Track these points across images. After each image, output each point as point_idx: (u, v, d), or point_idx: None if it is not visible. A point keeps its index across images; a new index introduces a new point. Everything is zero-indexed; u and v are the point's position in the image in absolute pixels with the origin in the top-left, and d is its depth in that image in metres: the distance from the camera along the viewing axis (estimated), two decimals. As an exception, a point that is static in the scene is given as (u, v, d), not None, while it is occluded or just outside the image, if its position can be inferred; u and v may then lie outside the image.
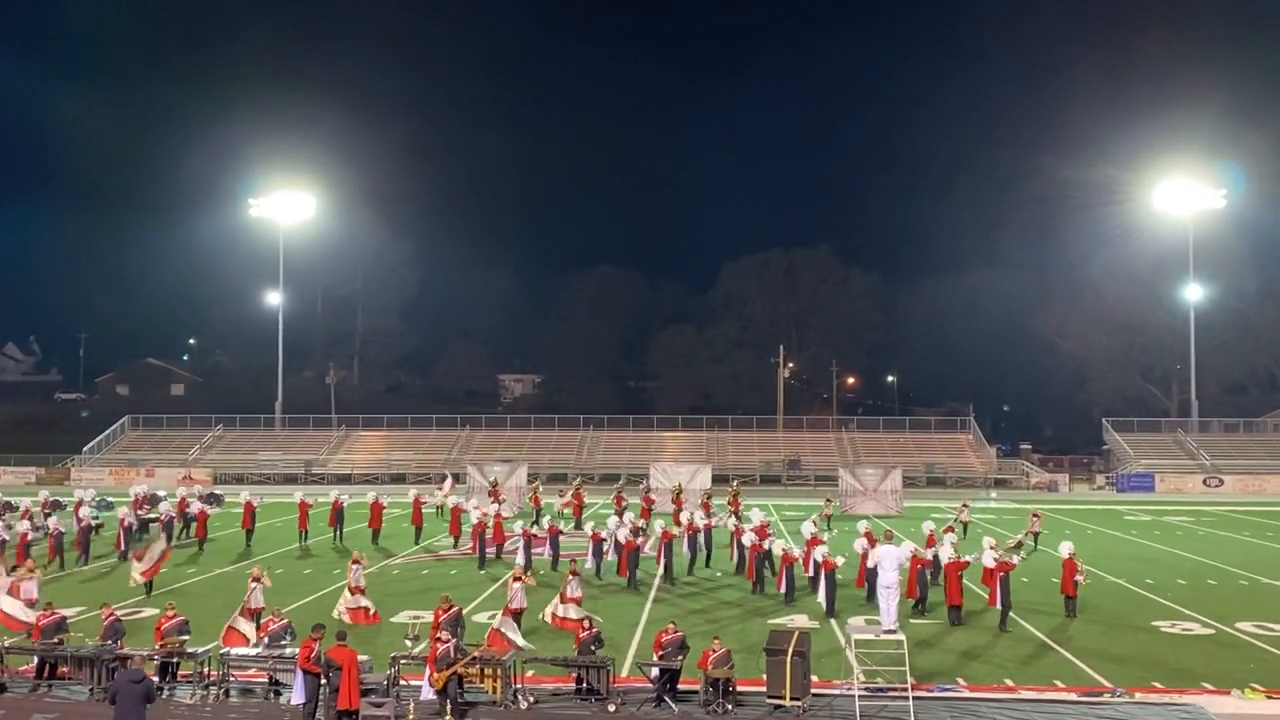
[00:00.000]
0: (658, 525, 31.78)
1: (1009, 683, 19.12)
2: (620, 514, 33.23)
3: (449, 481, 50.29)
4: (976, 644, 22.15)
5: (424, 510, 38.45)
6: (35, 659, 18.82)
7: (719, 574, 30.74)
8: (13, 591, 22.35)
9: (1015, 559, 25.37)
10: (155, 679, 17.46)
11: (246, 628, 20.06)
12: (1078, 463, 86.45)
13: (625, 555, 29.02)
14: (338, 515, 36.93)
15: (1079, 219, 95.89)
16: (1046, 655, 21.32)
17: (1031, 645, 22.13)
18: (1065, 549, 25.27)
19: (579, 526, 41.28)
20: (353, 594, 22.55)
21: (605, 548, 30.08)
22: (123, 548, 33.41)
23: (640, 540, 30.85)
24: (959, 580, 24.26)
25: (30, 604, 22.02)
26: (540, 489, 47.54)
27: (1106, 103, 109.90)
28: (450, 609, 19.52)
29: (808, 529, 29.71)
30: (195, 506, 37.53)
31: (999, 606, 23.53)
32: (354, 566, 23.95)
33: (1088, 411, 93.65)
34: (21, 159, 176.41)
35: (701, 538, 31.86)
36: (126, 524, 33.95)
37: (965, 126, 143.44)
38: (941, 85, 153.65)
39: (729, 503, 40.62)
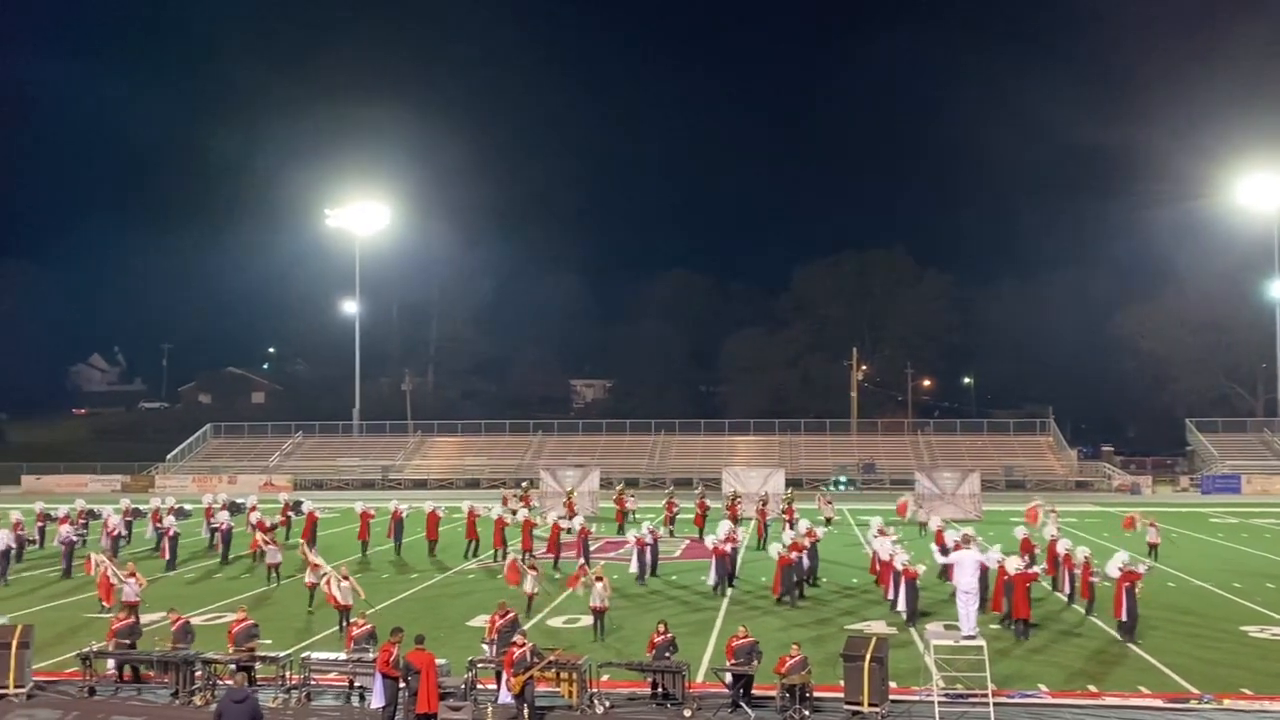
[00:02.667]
0: (786, 536, 29.83)
1: (1092, 689, 18.78)
2: (736, 521, 32.72)
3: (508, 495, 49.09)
4: (1058, 649, 21.79)
5: (476, 522, 37.53)
6: (110, 662, 19.31)
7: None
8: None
9: (1141, 567, 23.93)
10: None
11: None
12: (1160, 464, 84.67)
13: (780, 571, 27.35)
14: (397, 526, 37.02)
15: (1160, 215, 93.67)
16: (1130, 661, 20.89)
17: (1115, 651, 21.69)
18: (1117, 562, 23.44)
19: (620, 532, 41.40)
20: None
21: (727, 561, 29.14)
22: (168, 556, 34.03)
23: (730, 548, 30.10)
24: (1026, 592, 23.09)
25: (132, 605, 22.83)
26: (627, 494, 47.28)
27: (1189, 96, 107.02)
28: (506, 614, 19.59)
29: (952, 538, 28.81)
30: (255, 517, 37.64)
31: (1124, 618, 22.48)
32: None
33: (1170, 412, 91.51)
34: (104, 174, 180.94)
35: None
36: (172, 534, 34.51)
37: (1041, 122, 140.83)
38: (1017, 82, 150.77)
39: (783, 512, 40.29)
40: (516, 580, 25.41)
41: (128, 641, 19.46)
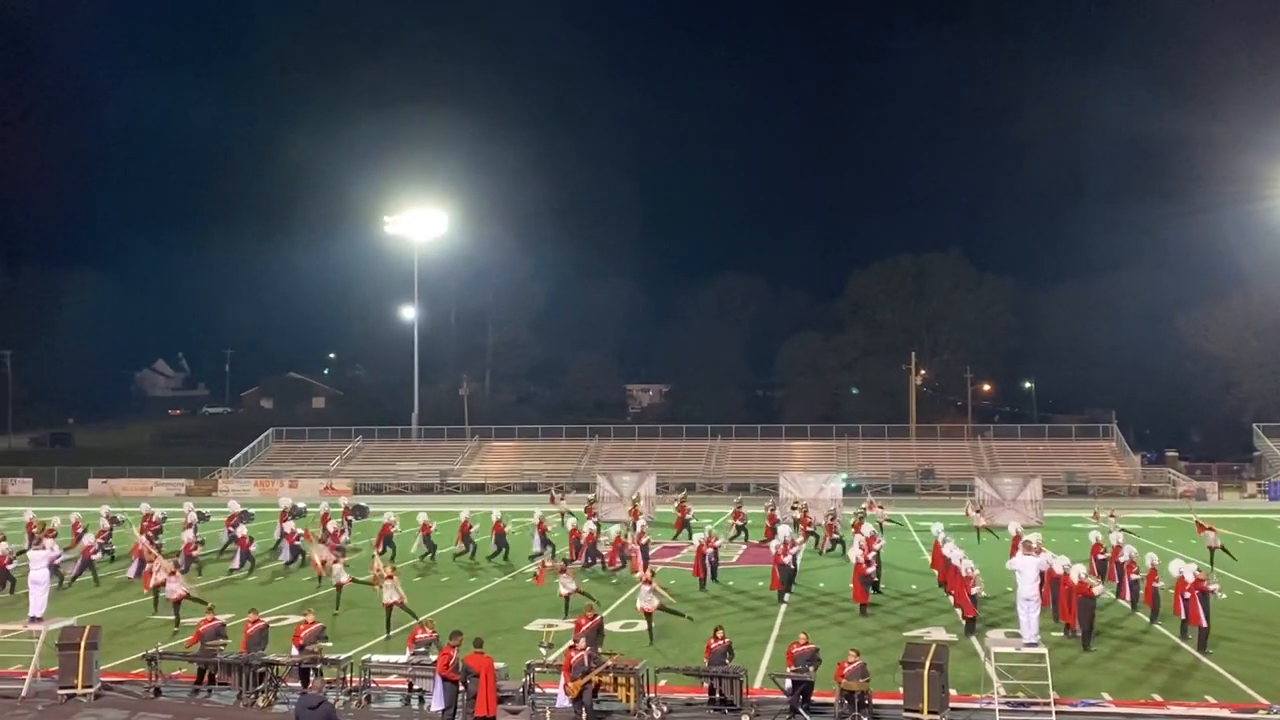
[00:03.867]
0: (858, 540, 29.22)
1: (1157, 698, 18.48)
2: (808, 535, 32.56)
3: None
4: (1122, 658, 21.46)
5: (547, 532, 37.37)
6: (195, 665, 19.47)
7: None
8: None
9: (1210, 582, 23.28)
10: (298, 684, 18.09)
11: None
12: (1226, 470, 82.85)
13: (858, 579, 27.08)
14: (465, 535, 37.08)
15: (1226, 216, 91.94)
16: (1197, 670, 20.53)
17: (1181, 659, 21.33)
18: (1183, 572, 22.67)
19: (678, 537, 41.17)
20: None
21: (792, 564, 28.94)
22: (236, 565, 34.19)
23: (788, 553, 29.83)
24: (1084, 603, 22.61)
25: (181, 599, 23.52)
26: (687, 499, 46.91)
27: (1251, 93, 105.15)
28: (593, 618, 19.67)
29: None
30: (332, 525, 37.87)
31: (1203, 624, 21.92)
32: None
33: (1237, 416, 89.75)
34: (168, 184, 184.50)
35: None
36: (247, 544, 34.64)
37: (1102, 123, 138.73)
38: (1077, 81, 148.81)
39: (854, 525, 39.76)
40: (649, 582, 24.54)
41: (214, 643, 19.63)
